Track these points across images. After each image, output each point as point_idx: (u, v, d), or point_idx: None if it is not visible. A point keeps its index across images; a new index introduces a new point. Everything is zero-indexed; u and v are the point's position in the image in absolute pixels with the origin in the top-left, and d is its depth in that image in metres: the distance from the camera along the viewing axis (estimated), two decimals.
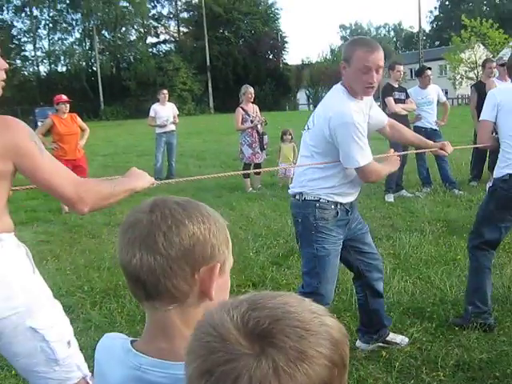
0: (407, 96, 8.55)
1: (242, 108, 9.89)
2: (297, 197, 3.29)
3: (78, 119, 9.14)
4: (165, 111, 11.59)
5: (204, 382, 0.75)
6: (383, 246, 5.89)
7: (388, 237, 6.28)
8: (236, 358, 0.73)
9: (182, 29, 68.05)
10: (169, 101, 11.90)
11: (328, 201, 3.21)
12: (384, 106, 8.19)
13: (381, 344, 3.65)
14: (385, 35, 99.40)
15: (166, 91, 11.95)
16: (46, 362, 2.22)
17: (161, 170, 11.63)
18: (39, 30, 62.01)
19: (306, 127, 3.36)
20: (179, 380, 1.08)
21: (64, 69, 61.87)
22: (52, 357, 2.21)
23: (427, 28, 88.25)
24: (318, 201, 3.20)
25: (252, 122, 9.84)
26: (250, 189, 9.91)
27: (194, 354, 0.79)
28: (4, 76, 2.23)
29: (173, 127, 11.70)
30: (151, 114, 11.67)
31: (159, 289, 1.09)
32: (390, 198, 8.38)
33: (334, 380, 0.77)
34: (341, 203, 3.26)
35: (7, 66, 2.25)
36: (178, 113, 12.08)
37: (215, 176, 3.30)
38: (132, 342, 1.18)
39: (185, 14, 67.35)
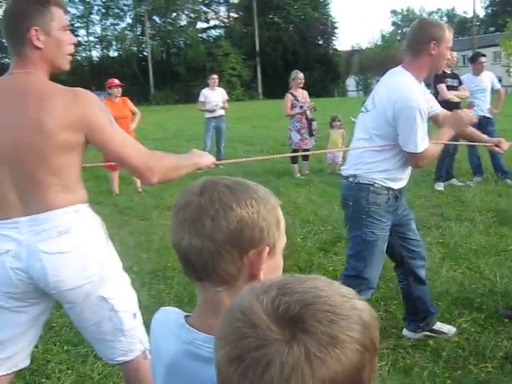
0: (460, 83, 8.35)
1: (291, 93, 9.82)
2: (350, 179, 3.25)
3: (129, 103, 9.28)
4: (214, 96, 11.55)
5: (234, 369, 0.74)
6: (432, 234, 5.83)
7: (437, 226, 6.19)
8: (267, 343, 0.72)
9: (231, 14, 68.10)
10: (218, 86, 11.92)
11: (382, 186, 3.19)
12: (436, 93, 8.04)
13: (428, 333, 3.62)
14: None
15: (216, 76, 11.92)
16: (113, 331, 2.30)
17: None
18: (92, 16, 63.09)
19: (363, 109, 3.33)
20: None
21: (115, 54, 62.83)
22: (119, 326, 2.29)
23: (481, 13, 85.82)
24: (373, 185, 3.17)
25: (301, 107, 9.75)
26: (298, 174, 9.90)
27: (223, 339, 0.79)
28: (73, 50, 2.31)
29: (222, 112, 11.65)
30: (201, 98, 11.65)
31: (208, 271, 1.11)
32: (439, 186, 8.24)
33: (365, 364, 0.76)
34: (393, 189, 3.24)
35: (75, 40, 2.33)
36: (227, 98, 12.04)
37: (265, 158, 3.32)
38: (185, 317, 1.21)
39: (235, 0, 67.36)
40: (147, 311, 4.12)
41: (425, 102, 3.15)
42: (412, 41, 3.21)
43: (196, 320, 1.19)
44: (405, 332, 3.67)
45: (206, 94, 11.61)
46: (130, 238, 6.21)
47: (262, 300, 0.77)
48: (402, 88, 3.10)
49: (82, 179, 2.28)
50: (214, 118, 11.56)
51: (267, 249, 1.12)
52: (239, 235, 1.08)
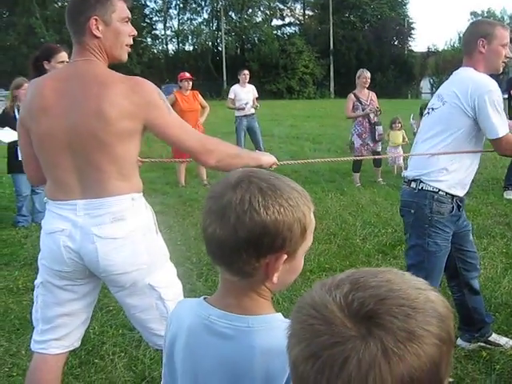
0: None
1: (354, 94, 9.17)
2: (412, 185, 3.15)
3: (199, 97, 9.42)
4: (244, 93, 10.83)
5: (311, 366, 0.74)
6: (496, 244, 5.66)
7: (502, 235, 6.00)
8: (343, 340, 0.72)
9: (307, 12, 67.75)
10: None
11: (446, 193, 3.08)
12: (510, 98, 7.78)
13: (483, 344, 3.53)
14: None
15: (247, 72, 11.01)
16: (160, 319, 2.37)
17: None
18: (170, 10, 63.95)
19: (428, 111, 3.27)
20: (243, 332, 1.15)
21: (191, 48, 63.59)
22: (165, 315, 2.34)
23: None
24: (437, 193, 3.06)
25: (363, 110, 9.07)
26: (358, 184, 9.19)
27: (296, 337, 0.79)
28: (131, 42, 2.37)
29: (253, 111, 10.95)
30: (231, 95, 10.92)
31: (226, 262, 1.16)
32: (509, 194, 7.96)
33: (443, 357, 0.75)
34: (457, 197, 3.13)
35: (136, 32, 2.39)
36: (257, 95, 11.24)
37: (322, 161, 3.31)
38: (205, 298, 1.26)
39: None
40: None
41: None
42: (464, 41, 3.26)
43: (214, 298, 1.24)
44: (459, 342, 3.58)
45: (236, 90, 10.87)
46: (192, 229, 6.32)
47: (335, 296, 0.77)
48: (474, 77, 3.07)
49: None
50: (246, 116, 10.84)
51: (285, 256, 1.14)
52: (260, 240, 1.10)
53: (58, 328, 2.42)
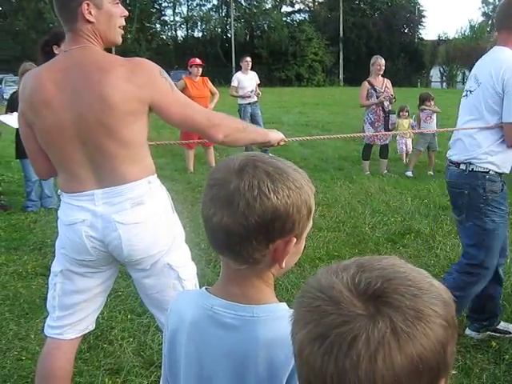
0: None
1: (368, 82, 8.96)
2: (461, 166, 3.19)
3: (209, 83, 9.40)
4: (247, 80, 10.66)
5: (318, 347, 0.73)
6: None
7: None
8: (351, 319, 0.72)
9: None
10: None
11: (496, 172, 3.14)
12: None
13: (492, 333, 3.52)
14: None
15: (249, 58, 10.79)
16: None
17: None
18: None
19: (465, 93, 3.29)
20: (247, 322, 1.13)
21: (200, 34, 63.44)
22: None
23: None
24: (488, 172, 3.12)
25: (378, 97, 8.85)
26: (368, 172, 9.08)
27: (302, 320, 0.78)
28: (123, 23, 2.33)
29: (255, 98, 10.77)
30: (234, 83, 10.70)
31: (233, 251, 1.12)
32: None
33: (449, 340, 0.75)
34: (504, 174, 3.19)
35: (127, 13, 2.34)
36: (259, 82, 10.99)
37: (327, 138, 3.29)
38: (207, 289, 1.24)
39: None
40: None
41: None
42: (504, 16, 3.13)
43: (217, 288, 1.22)
44: (467, 331, 3.57)
45: (239, 78, 10.66)
46: (201, 216, 6.29)
47: (342, 277, 0.77)
48: (508, 59, 3.04)
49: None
50: (249, 104, 10.69)
51: (294, 240, 1.12)
52: (271, 225, 1.07)
53: (75, 314, 2.42)
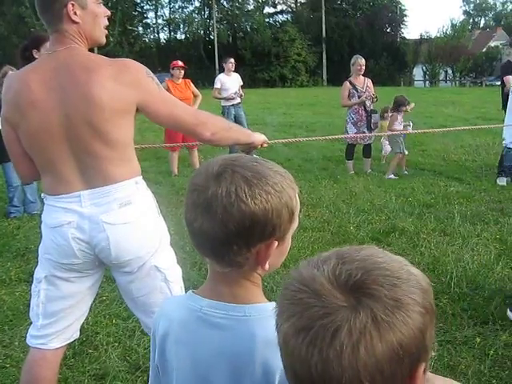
0: None
1: (349, 82, 8.95)
2: None
3: (192, 85, 9.39)
4: (230, 82, 10.50)
5: (302, 338, 0.76)
6: (490, 230, 5.67)
7: (496, 221, 6.01)
8: (333, 311, 0.74)
9: None
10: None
11: None
12: (503, 85, 7.78)
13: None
14: (511, 11, 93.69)
15: (233, 60, 10.62)
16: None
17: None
18: None
19: None
20: (238, 321, 1.13)
21: (183, 36, 63.44)
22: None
23: None
24: None
25: (359, 97, 8.83)
26: (352, 172, 9.03)
27: (286, 313, 0.80)
28: (107, 22, 2.32)
29: (239, 100, 10.63)
30: (217, 85, 10.48)
31: (216, 255, 1.13)
32: (502, 181, 7.94)
33: (427, 326, 0.78)
34: None
35: (109, 12, 2.34)
36: (242, 83, 10.82)
37: (316, 139, 3.30)
38: (193, 291, 1.24)
39: None
40: None
41: None
42: None
43: (204, 289, 1.22)
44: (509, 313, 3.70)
45: (222, 79, 10.50)
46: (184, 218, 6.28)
47: (323, 270, 0.79)
48: None
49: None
50: (233, 105, 10.52)
51: (276, 243, 1.12)
52: (250, 230, 1.08)
53: (60, 321, 2.38)
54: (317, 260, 0.83)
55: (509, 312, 3.69)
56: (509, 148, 7.78)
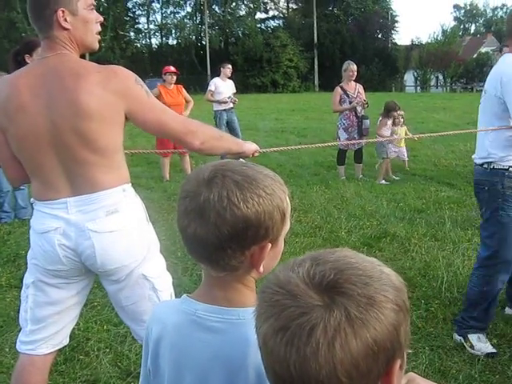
0: None
1: (341, 87, 8.99)
2: (484, 166, 3.37)
3: (184, 91, 9.38)
4: (224, 87, 10.46)
5: (280, 338, 0.78)
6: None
7: None
8: (308, 310, 0.77)
9: (290, 5, 67.78)
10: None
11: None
12: None
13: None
14: (501, 17, 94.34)
15: (230, 66, 10.70)
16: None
17: None
18: (153, 4, 63.51)
19: (482, 93, 3.47)
20: (234, 324, 1.14)
21: (175, 42, 63.33)
22: None
23: None
24: (507, 170, 3.29)
25: (350, 103, 8.88)
26: (343, 177, 9.10)
27: (264, 314, 0.82)
28: (99, 28, 2.31)
29: (231, 105, 10.55)
30: (211, 87, 10.40)
31: (210, 260, 1.14)
32: None
33: (401, 323, 0.80)
34: None
35: (102, 18, 2.33)
36: (235, 91, 10.84)
37: (307, 147, 3.30)
38: (188, 295, 1.24)
39: None
40: None
41: None
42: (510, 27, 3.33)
43: (199, 294, 1.22)
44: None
45: (217, 83, 10.42)
46: (176, 224, 6.27)
47: (298, 272, 0.82)
48: (508, 65, 3.23)
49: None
50: (225, 110, 10.48)
51: (269, 245, 1.13)
52: (243, 234, 1.09)
53: (48, 327, 2.37)
54: (292, 263, 0.85)
55: (455, 335, 3.58)
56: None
